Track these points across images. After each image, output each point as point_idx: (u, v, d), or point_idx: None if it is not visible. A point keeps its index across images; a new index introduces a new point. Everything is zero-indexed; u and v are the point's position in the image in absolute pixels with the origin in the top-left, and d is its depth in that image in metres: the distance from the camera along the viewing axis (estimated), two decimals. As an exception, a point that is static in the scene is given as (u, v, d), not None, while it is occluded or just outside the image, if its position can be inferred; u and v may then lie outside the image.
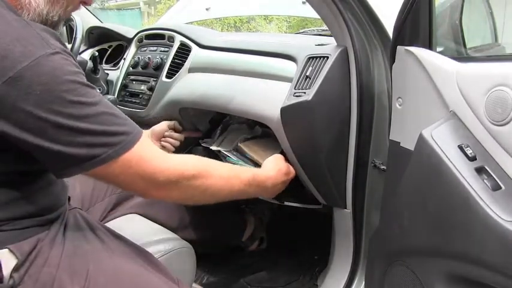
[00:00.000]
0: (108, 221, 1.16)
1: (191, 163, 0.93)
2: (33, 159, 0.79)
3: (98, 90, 1.70)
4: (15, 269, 0.78)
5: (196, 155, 1.51)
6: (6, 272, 0.77)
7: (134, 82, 1.79)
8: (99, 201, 1.17)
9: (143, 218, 1.22)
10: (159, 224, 1.21)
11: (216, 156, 1.45)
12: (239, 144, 1.40)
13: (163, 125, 1.52)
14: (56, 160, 0.77)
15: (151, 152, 0.85)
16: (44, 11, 0.82)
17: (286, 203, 1.33)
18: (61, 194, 0.92)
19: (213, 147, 1.45)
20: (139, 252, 0.95)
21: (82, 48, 1.96)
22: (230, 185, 0.99)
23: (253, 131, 1.51)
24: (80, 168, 0.78)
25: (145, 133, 0.86)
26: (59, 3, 0.84)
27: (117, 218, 1.18)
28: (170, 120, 1.61)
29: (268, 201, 1.31)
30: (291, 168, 1.22)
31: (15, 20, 0.75)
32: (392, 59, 1.01)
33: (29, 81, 0.70)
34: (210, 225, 1.42)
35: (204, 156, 1.48)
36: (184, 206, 1.30)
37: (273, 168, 1.16)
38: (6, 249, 0.78)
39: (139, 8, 10.46)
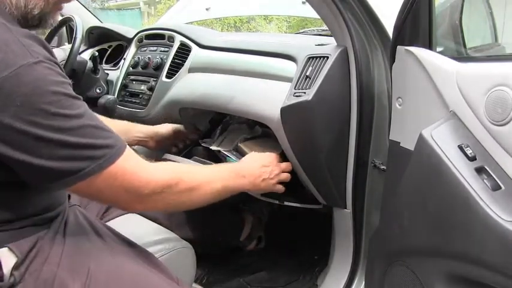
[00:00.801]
0: (107, 220, 1.16)
1: (171, 171, 0.91)
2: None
3: (98, 91, 1.71)
4: (15, 267, 0.78)
5: (196, 155, 1.50)
6: (6, 270, 0.77)
7: (134, 82, 1.79)
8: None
9: (143, 217, 1.22)
10: (156, 223, 1.21)
11: (216, 156, 1.45)
12: (239, 144, 1.40)
13: (169, 129, 1.51)
14: (38, 175, 0.74)
15: (136, 164, 0.83)
16: (21, 3, 0.77)
17: (286, 203, 1.33)
18: (60, 193, 0.92)
19: (213, 147, 1.45)
20: (139, 251, 0.95)
21: (82, 48, 1.96)
22: (212, 185, 0.98)
23: (253, 131, 1.51)
24: (63, 183, 0.75)
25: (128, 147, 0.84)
26: (33, 1, 0.78)
27: (117, 218, 1.18)
28: (170, 120, 1.61)
29: (268, 201, 1.31)
30: (280, 164, 1.22)
31: None
32: (392, 59, 1.01)
33: (9, 92, 0.67)
34: (206, 224, 1.42)
35: (204, 156, 1.48)
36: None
37: (248, 159, 1.18)
38: (6, 248, 0.78)
39: (139, 8, 10.46)
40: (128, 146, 0.82)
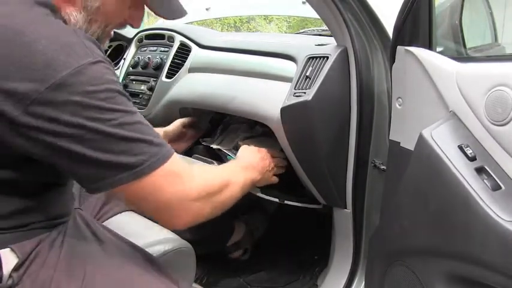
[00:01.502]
0: (105, 219, 1.16)
1: (206, 173, 0.93)
2: (58, 173, 0.79)
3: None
4: (15, 268, 0.78)
5: (197, 153, 1.50)
6: (6, 271, 0.77)
7: (134, 82, 1.79)
8: (90, 196, 1.16)
9: (141, 216, 1.21)
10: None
11: (216, 154, 1.45)
12: (239, 143, 1.40)
13: (177, 125, 1.49)
14: (91, 170, 0.75)
15: (184, 168, 0.84)
16: (82, 29, 0.83)
17: (286, 202, 1.33)
18: (70, 203, 0.93)
19: (214, 146, 1.45)
20: (138, 252, 0.95)
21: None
22: (238, 180, 0.99)
23: (253, 131, 1.51)
24: (115, 181, 0.76)
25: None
26: (97, 23, 0.85)
27: (115, 217, 1.18)
28: (170, 120, 1.61)
29: (268, 199, 1.30)
30: (274, 159, 1.23)
31: (62, 28, 0.76)
32: (392, 59, 1.01)
33: (70, 88, 0.71)
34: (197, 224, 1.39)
35: (205, 154, 1.48)
36: None
37: (247, 153, 1.19)
38: (8, 249, 0.78)
39: (139, 8, 10.44)
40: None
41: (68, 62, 0.71)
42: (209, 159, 1.41)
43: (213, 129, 1.63)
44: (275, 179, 1.24)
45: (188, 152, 1.53)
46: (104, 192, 0.82)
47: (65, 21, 0.81)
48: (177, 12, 0.93)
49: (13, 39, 0.71)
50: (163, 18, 0.94)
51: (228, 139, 1.49)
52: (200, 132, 1.57)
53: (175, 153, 0.81)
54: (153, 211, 0.85)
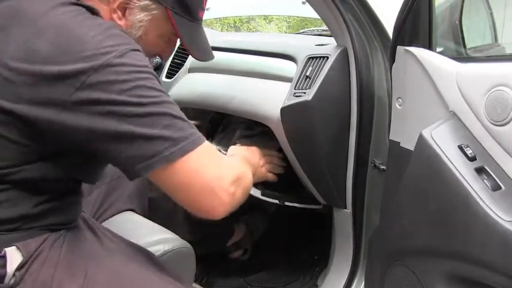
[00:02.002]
0: (104, 219, 1.16)
1: (237, 162, 1.00)
2: (86, 165, 0.83)
3: None
4: (19, 267, 0.78)
5: None
6: (10, 269, 0.77)
7: (134, 82, 1.78)
8: (87, 195, 1.16)
9: (140, 216, 1.21)
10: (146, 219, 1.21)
11: None
12: (236, 141, 1.40)
13: None
14: (140, 146, 0.76)
15: (216, 152, 0.89)
16: None
17: (286, 203, 1.33)
18: (78, 210, 0.93)
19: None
20: (139, 251, 0.95)
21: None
22: (248, 172, 0.99)
23: (252, 131, 1.51)
24: (159, 159, 0.76)
25: None
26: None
27: (115, 216, 1.18)
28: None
29: (268, 200, 1.30)
30: (265, 157, 1.22)
31: (110, 23, 0.84)
32: (392, 59, 1.01)
33: (117, 68, 0.76)
34: (197, 223, 1.39)
35: None
36: (170, 202, 1.28)
37: (236, 151, 1.18)
38: (14, 247, 0.78)
39: (139, 8, 10.43)
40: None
41: (114, 47, 0.77)
42: None
43: (213, 130, 1.63)
44: (271, 176, 1.22)
45: None
46: (145, 175, 0.81)
47: None
48: (208, 55, 1.06)
49: (64, 32, 0.77)
50: (197, 59, 1.05)
51: (226, 139, 1.49)
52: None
53: (206, 141, 0.84)
54: (195, 196, 0.83)
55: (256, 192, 1.27)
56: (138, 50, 0.80)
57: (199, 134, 0.82)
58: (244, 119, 1.52)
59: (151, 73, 0.81)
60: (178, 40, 1.02)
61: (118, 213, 1.21)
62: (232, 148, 1.23)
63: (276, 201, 1.31)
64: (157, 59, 1.70)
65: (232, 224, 1.62)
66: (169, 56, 1.03)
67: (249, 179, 0.97)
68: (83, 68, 0.74)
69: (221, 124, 1.60)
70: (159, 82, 0.82)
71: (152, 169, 0.77)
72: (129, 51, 0.78)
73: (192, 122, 1.37)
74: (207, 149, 0.83)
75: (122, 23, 0.91)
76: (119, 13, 0.90)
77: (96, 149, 0.79)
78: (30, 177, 0.79)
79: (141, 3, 0.90)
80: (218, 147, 1.44)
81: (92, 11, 0.83)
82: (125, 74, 0.76)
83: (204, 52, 1.04)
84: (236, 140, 1.42)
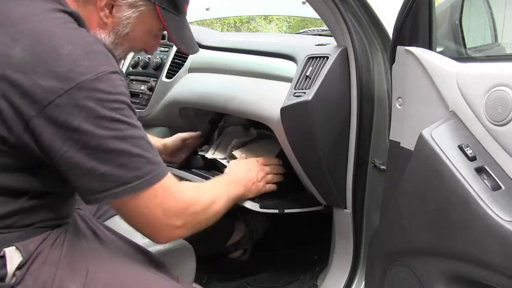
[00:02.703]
0: (106, 219, 1.16)
1: (196, 190, 0.96)
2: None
3: None
4: (19, 267, 0.78)
5: (194, 164, 1.48)
6: (10, 269, 0.78)
7: (134, 82, 1.79)
8: None
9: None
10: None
11: (213, 163, 1.44)
12: (233, 152, 1.39)
13: (177, 138, 1.49)
14: (89, 180, 0.77)
15: (176, 185, 0.87)
16: (109, 46, 0.87)
17: (286, 211, 1.33)
18: (74, 204, 0.94)
19: (209, 156, 1.44)
20: (139, 250, 0.95)
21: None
22: (223, 197, 1.01)
23: (248, 133, 1.51)
24: (110, 194, 0.77)
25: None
26: (122, 46, 0.92)
27: (116, 216, 1.18)
28: (170, 120, 1.60)
29: (268, 212, 1.29)
30: (264, 167, 1.24)
31: (87, 35, 0.81)
32: (392, 59, 1.01)
33: (87, 93, 0.74)
34: None
35: (202, 164, 1.47)
36: None
37: (233, 167, 1.22)
38: (13, 247, 0.79)
39: (139, 8, 10.42)
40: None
41: (90, 68, 0.75)
42: (205, 175, 1.39)
43: (212, 130, 1.63)
44: (270, 187, 1.24)
45: (186, 164, 1.50)
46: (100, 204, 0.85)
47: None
48: (194, 47, 1.05)
49: (41, 41, 0.75)
50: (182, 51, 1.08)
51: (222, 145, 1.48)
52: (199, 141, 1.57)
53: (169, 173, 0.84)
54: (141, 226, 0.86)
55: (254, 206, 1.27)
56: (115, 73, 0.78)
57: (158, 171, 0.80)
58: (239, 121, 1.52)
59: (123, 102, 0.78)
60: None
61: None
62: (231, 164, 1.26)
63: (276, 211, 1.31)
64: (157, 59, 1.70)
65: (232, 224, 1.62)
66: (155, 50, 1.03)
67: (219, 205, 0.98)
68: (54, 88, 0.72)
69: (217, 129, 1.59)
70: (133, 109, 0.80)
71: (101, 202, 0.80)
72: (106, 74, 0.76)
73: (190, 133, 1.38)
74: (161, 187, 0.81)
75: (109, 21, 0.89)
76: (106, 11, 0.89)
77: (59, 169, 0.78)
78: (14, 183, 0.79)
79: (129, 0, 0.89)
80: (214, 156, 1.44)
81: (79, 20, 0.82)
82: (96, 101, 0.74)
83: (190, 45, 1.04)
84: (233, 149, 1.41)
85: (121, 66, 1.85)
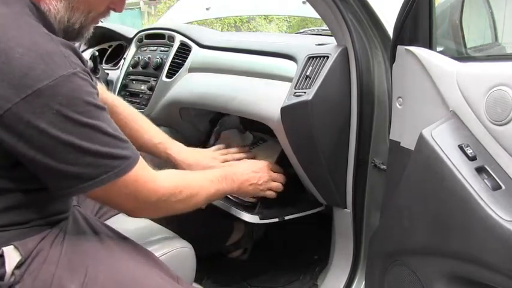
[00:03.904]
0: (106, 219, 1.16)
1: (175, 180, 0.97)
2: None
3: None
4: (17, 266, 0.78)
5: None
6: (8, 268, 0.78)
7: (134, 82, 1.79)
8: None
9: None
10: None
11: None
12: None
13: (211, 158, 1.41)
14: (58, 179, 0.79)
15: (146, 174, 0.88)
16: (64, 18, 0.82)
17: (287, 218, 1.33)
18: (69, 199, 0.94)
19: None
20: (138, 250, 0.95)
21: (82, 48, 1.96)
22: (207, 190, 1.04)
23: (244, 137, 1.50)
24: (81, 189, 0.80)
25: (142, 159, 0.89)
26: (79, 10, 0.84)
27: (115, 216, 1.18)
28: (170, 120, 1.60)
29: (269, 222, 1.30)
30: (271, 172, 1.24)
31: (39, 34, 0.75)
32: (392, 59, 1.01)
33: (47, 100, 0.71)
34: (196, 223, 1.39)
35: None
36: None
37: (241, 166, 1.22)
38: (12, 246, 0.79)
39: (139, 7, 10.44)
40: (140, 156, 0.86)
41: (47, 72, 0.71)
42: None
43: (212, 130, 1.63)
44: (270, 194, 1.24)
45: None
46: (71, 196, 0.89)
47: (44, 14, 0.80)
48: None
49: None
50: None
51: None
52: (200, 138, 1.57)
53: (140, 160, 0.85)
54: (115, 207, 0.96)
55: (254, 219, 1.28)
56: (74, 74, 0.74)
57: (125, 164, 0.81)
58: (235, 124, 1.52)
59: (86, 102, 0.76)
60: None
61: (119, 212, 1.21)
62: (241, 161, 1.26)
63: (276, 220, 1.31)
64: (158, 59, 1.70)
65: (231, 224, 1.62)
66: (123, 6, 0.93)
67: (199, 196, 1.01)
68: (9, 96, 0.70)
69: (213, 134, 1.59)
70: (96, 105, 0.78)
71: (71, 195, 0.87)
72: (65, 78, 0.73)
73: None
74: (131, 177, 0.83)
75: None
76: None
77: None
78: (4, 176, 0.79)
79: None
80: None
81: (38, 10, 0.78)
82: (58, 106, 0.72)
83: None
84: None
85: (120, 63, 1.86)
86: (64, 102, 0.73)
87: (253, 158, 1.39)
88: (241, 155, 1.38)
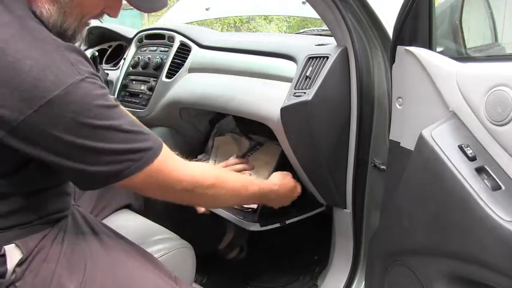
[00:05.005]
0: (104, 217, 1.16)
1: (207, 172, 0.97)
2: (55, 176, 0.84)
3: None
4: (19, 264, 0.79)
5: None
6: (10, 266, 0.78)
7: (134, 82, 1.79)
8: (84, 192, 1.17)
9: (141, 216, 1.21)
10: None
11: None
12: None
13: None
14: (82, 177, 0.81)
15: (171, 163, 0.89)
16: (58, 22, 0.81)
17: (288, 222, 1.33)
18: (68, 197, 0.94)
19: (211, 163, 1.44)
20: (137, 250, 0.95)
21: (82, 48, 1.96)
22: (237, 195, 1.05)
23: (240, 143, 1.50)
24: (104, 183, 0.83)
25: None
26: (72, 15, 0.82)
27: (114, 215, 1.18)
28: (170, 120, 1.60)
29: (271, 228, 1.30)
30: (298, 185, 1.26)
31: (44, 41, 0.75)
32: (392, 59, 1.00)
33: (59, 109, 0.72)
34: (187, 223, 1.38)
35: None
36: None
37: (278, 182, 1.21)
38: (13, 245, 0.79)
39: (139, 8, 10.43)
40: (164, 145, 0.87)
41: (56, 83, 0.72)
42: None
43: (212, 130, 1.63)
44: (254, 227, 1.29)
45: None
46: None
47: (37, 16, 0.79)
48: (158, 4, 0.90)
49: None
50: (141, 10, 0.90)
51: (220, 157, 1.48)
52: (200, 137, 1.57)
53: (163, 150, 0.86)
54: (143, 193, 0.96)
55: (255, 226, 1.28)
56: (83, 80, 0.74)
57: (147, 155, 0.82)
58: (232, 128, 1.52)
59: (99, 106, 0.76)
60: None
61: (116, 209, 1.21)
62: (274, 174, 1.25)
63: (278, 225, 1.31)
64: (157, 59, 1.70)
65: (226, 224, 1.59)
66: (118, 11, 0.91)
67: (230, 196, 1.02)
68: (22, 109, 0.70)
69: (211, 138, 1.59)
70: (109, 106, 0.78)
71: (95, 188, 0.87)
72: (75, 85, 0.73)
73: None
74: (155, 167, 0.84)
75: None
76: None
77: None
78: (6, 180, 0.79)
79: None
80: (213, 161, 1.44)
81: (40, 19, 0.78)
82: (71, 114, 0.73)
83: (150, 1, 0.89)
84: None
85: (120, 63, 1.86)
86: (76, 109, 0.74)
87: (252, 167, 1.41)
88: (240, 166, 1.40)
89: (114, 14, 0.90)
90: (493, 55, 1.19)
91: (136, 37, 1.87)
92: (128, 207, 1.24)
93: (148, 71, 1.74)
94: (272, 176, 1.25)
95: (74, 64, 0.75)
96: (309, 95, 1.15)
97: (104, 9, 0.88)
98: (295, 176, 1.28)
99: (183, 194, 0.93)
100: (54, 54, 0.74)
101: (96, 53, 1.80)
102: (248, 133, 1.52)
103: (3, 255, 0.78)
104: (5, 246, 0.79)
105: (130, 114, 0.89)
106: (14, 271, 0.79)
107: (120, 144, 0.79)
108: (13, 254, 0.79)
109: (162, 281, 0.90)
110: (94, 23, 2.19)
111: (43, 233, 0.84)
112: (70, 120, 0.73)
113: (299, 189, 1.26)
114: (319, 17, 1.23)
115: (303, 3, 1.77)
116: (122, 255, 0.91)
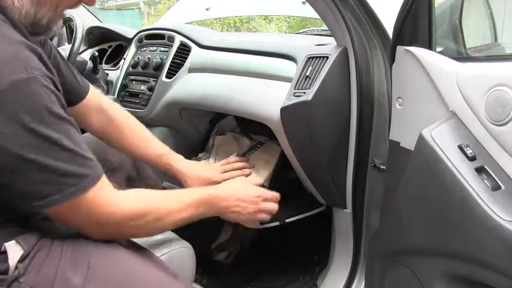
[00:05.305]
0: None
1: (139, 202, 0.91)
2: None
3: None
4: (20, 260, 0.79)
5: None
6: (12, 263, 0.78)
7: (134, 82, 1.79)
8: None
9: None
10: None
11: None
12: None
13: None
14: (10, 194, 0.75)
15: (105, 196, 0.83)
16: (31, 12, 0.78)
17: (287, 221, 1.32)
18: None
19: (211, 162, 1.44)
20: (138, 248, 0.96)
21: (82, 48, 1.96)
22: (178, 214, 0.97)
23: (240, 142, 1.50)
24: (30, 207, 0.77)
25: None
26: (46, 5, 0.79)
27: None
28: (170, 120, 1.60)
29: (269, 226, 1.27)
30: (268, 195, 1.15)
31: (2, 36, 0.72)
32: (392, 59, 1.01)
33: None
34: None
35: None
36: None
37: (226, 188, 1.12)
38: (14, 241, 0.79)
39: (139, 8, 10.44)
40: (102, 175, 0.82)
41: None
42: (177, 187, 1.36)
43: (212, 130, 1.63)
44: (261, 218, 1.15)
45: None
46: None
47: (5, 9, 0.76)
48: None
49: None
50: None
51: (220, 155, 1.48)
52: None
53: (100, 180, 0.80)
54: (72, 228, 0.86)
55: (256, 225, 1.24)
56: (33, 78, 0.70)
57: (82, 184, 0.77)
58: (232, 128, 1.52)
59: (42, 109, 0.71)
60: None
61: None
62: (232, 184, 1.18)
63: (277, 223, 1.30)
64: (157, 59, 1.70)
65: (222, 222, 1.55)
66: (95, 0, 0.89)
67: (165, 220, 0.93)
68: None
69: (211, 138, 1.59)
70: (54, 114, 0.73)
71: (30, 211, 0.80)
72: (18, 82, 0.68)
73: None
74: (86, 198, 0.79)
75: None
76: None
77: None
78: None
79: None
80: (213, 159, 1.44)
81: (5, 13, 0.74)
82: (5, 114, 0.68)
83: None
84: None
85: (120, 63, 1.86)
86: (15, 110, 0.68)
87: (253, 166, 1.36)
88: (240, 164, 1.34)
89: (90, 1, 0.87)
90: (492, 55, 1.19)
91: (136, 37, 1.87)
92: None
93: (148, 71, 1.74)
94: (227, 182, 1.19)
95: (23, 61, 0.71)
96: (308, 95, 1.15)
97: None
98: (290, 173, 1.27)
99: (117, 228, 0.86)
100: (6, 50, 0.70)
101: (96, 53, 1.80)
102: (249, 133, 1.52)
103: (4, 252, 0.78)
104: (5, 243, 0.78)
105: (80, 134, 0.81)
106: (16, 267, 0.79)
107: (57, 161, 0.73)
108: (14, 251, 0.79)
109: (164, 278, 0.91)
110: (94, 23, 2.21)
111: (43, 229, 0.84)
112: (5, 121, 0.68)
113: (270, 196, 1.15)
114: (319, 17, 1.23)
115: (303, 3, 1.77)
116: (125, 251, 0.91)
